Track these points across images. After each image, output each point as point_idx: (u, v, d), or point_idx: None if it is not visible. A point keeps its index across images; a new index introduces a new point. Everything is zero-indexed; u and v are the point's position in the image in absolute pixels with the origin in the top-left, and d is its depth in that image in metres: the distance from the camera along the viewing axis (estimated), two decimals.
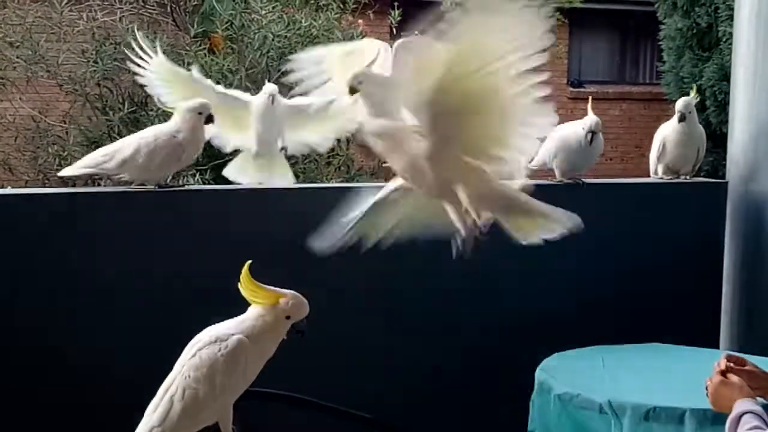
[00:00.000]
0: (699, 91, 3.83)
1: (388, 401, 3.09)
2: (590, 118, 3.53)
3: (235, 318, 2.16)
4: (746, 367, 2.38)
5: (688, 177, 3.82)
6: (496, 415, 3.33)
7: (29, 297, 2.97)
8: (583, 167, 3.64)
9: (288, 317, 2.13)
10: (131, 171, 3.11)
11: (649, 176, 3.92)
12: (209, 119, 3.14)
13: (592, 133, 3.50)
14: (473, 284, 3.44)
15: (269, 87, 3.44)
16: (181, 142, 3.11)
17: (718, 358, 2.58)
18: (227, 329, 2.13)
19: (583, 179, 3.65)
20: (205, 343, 2.10)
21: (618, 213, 3.62)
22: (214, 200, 3.28)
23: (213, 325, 2.17)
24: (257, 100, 3.42)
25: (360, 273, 3.30)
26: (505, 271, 3.48)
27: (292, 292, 2.15)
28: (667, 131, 3.79)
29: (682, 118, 3.68)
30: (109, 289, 3.04)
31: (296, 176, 6.20)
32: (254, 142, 3.39)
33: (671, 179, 3.80)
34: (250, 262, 2.10)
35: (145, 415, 2.11)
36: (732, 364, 2.36)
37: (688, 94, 3.82)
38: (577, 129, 3.56)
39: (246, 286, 2.10)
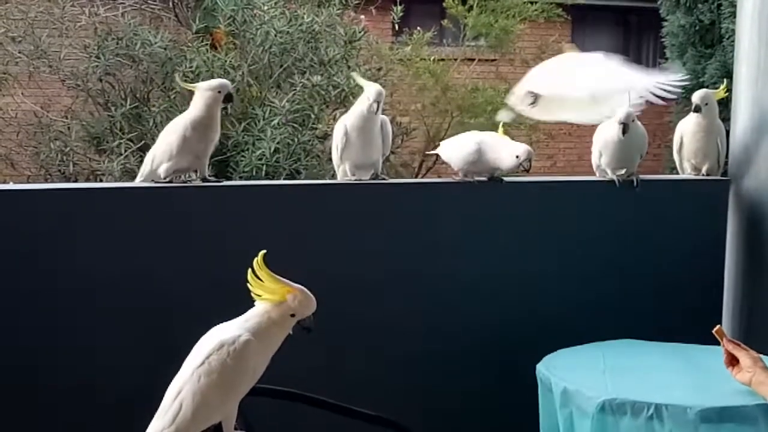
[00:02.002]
0: (701, 88, 3.80)
1: (388, 399, 3.09)
2: (622, 110, 3.45)
3: (241, 316, 2.16)
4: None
5: (709, 174, 3.77)
6: (497, 413, 3.34)
7: (29, 294, 2.97)
8: (630, 162, 3.57)
9: (293, 315, 2.12)
10: (163, 165, 3.15)
11: (651, 174, 3.91)
12: (228, 98, 3.16)
13: (623, 124, 3.43)
14: (474, 280, 3.44)
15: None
16: (187, 120, 3.13)
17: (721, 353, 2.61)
18: (233, 330, 2.12)
19: (637, 177, 3.59)
20: (214, 350, 2.09)
21: (619, 210, 3.62)
22: (216, 197, 3.27)
23: (219, 326, 2.17)
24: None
25: (360, 272, 3.30)
26: (506, 268, 3.48)
27: (299, 287, 2.14)
28: (685, 125, 3.79)
29: (696, 110, 3.66)
30: (109, 287, 3.04)
31: (298, 173, 6.23)
32: None
33: (689, 176, 3.78)
34: (264, 252, 2.09)
35: (154, 418, 2.11)
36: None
37: (691, 91, 3.81)
38: (613, 124, 3.51)
39: (259, 274, 2.10)
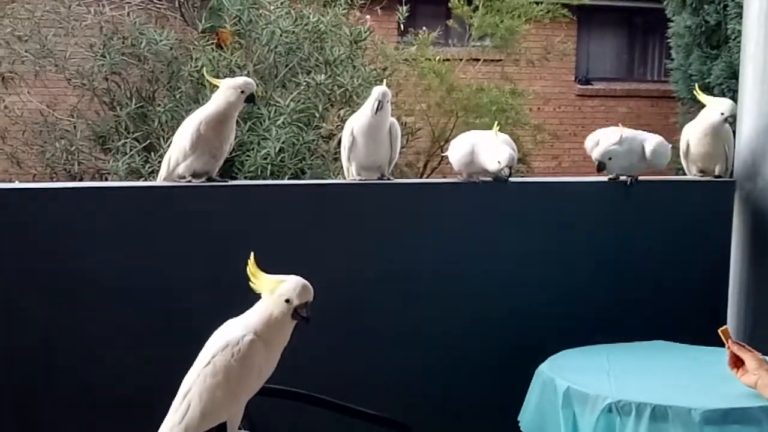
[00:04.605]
0: (707, 88, 3.80)
1: (390, 399, 3.09)
2: (599, 149, 3.48)
3: (246, 313, 2.16)
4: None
5: (719, 176, 3.75)
6: (499, 413, 3.33)
7: (32, 294, 2.97)
8: (637, 171, 3.58)
9: (287, 300, 2.10)
10: (180, 165, 3.13)
11: (657, 174, 3.90)
12: (250, 99, 3.12)
13: (600, 162, 3.47)
14: (478, 281, 3.44)
15: None
16: (202, 116, 3.10)
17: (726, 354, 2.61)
18: (239, 329, 2.13)
19: (634, 178, 3.57)
20: (219, 350, 2.11)
21: (624, 211, 3.61)
22: (222, 197, 3.27)
23: (226, 323, 2.17)
24: None
25: (363, 271, 3.30)
26: (510, 268, 3.48)
27: (294, 277, 2.14)
28: (691, 130, 3.77)
29: (730, 121, 3.65)
30: (115, 285, 3.04)
31: (303, 172, 6.24)
32: None
33: (694, 177, 3.78)
34: (253, 253, 2.10)
35: (168, 414, 2.13)
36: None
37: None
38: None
39: (250, 273, 2.11)
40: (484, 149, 3.32)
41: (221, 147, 3.15)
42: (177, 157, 3.12)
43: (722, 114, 3.63)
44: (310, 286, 2.13)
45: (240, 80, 3.14)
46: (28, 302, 2.95)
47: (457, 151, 3.41)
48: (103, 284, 3.01)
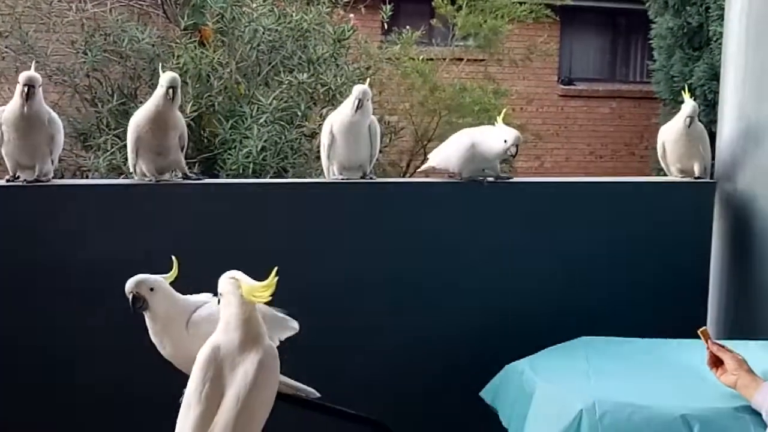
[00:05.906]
0: (689, 90, 3.82)
1: (378, 399, 3.09)
2: None
3: (226, 326, 2.13)
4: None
5: (700, 176, 3.78)
6: (483, 412, 3.34)
7: (22, 294, 2.95)
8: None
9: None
10: (135, 163, 3.14)
11: (638, 175, 3.92)
12: (172, 92, 3.10)
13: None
14: (458, 280, 3.44)
15: None
16: (136, 117, 3.12)
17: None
18: (246, 347, 2.11)
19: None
20: (258, 372, 2.10)
21: (605, 212, 3.62)
22: (199, 195, 3.25)
23: (213, 343, 2.15)
24: None
25: (345, 271, 3.30)
26: (491, 267, 3.48)
27: (229, 273, 2.18)
28: (666, 132, 3.81)
29: (691, 122, 3.69)
30: (89, 284, 3.02)
31: (285, 171, 6.22)
32: None
33: (675, 178, 3.80)
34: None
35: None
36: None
37: (678, 93, 3.83)
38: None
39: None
40: (487, 138, 3.35)
41: (162, 143, 3.11)
42: (131, 158, 3.13)
43: (685, 115, 3.68)
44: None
45: (163, 76, 3.13)
46: (23, 301, 2.94)
47: (456, 150, 3.41)
48: (78, 280, 3.00)
